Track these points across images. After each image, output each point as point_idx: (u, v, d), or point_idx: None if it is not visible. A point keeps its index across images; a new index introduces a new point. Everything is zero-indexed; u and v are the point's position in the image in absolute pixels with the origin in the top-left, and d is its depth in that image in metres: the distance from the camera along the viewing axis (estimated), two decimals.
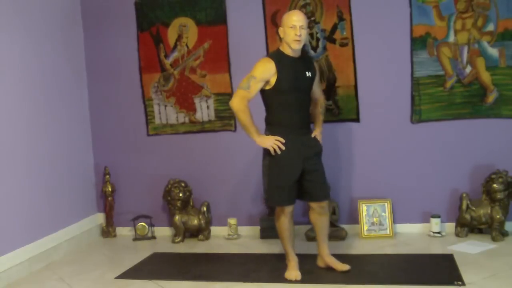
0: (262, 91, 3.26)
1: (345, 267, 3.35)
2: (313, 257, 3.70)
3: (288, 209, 3.34)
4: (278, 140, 3.19)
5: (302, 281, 3.26)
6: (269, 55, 3.32)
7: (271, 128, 3.28)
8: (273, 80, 3.21)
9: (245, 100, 3.19)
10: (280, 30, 3.27)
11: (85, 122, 4.70)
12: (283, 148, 3.19)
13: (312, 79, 3.35)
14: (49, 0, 4.25)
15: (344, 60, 4.16)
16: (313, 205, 3.38)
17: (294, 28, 3.17)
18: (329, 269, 3.38)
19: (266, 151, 3.27)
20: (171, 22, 4.49)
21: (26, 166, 3.86)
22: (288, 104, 3.25)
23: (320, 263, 3.45)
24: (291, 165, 3.25)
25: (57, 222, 4.17)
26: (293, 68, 3.25)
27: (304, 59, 3.36)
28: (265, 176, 3.32)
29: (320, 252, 3.45)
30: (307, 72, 3.31)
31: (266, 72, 3.20)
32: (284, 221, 3.34)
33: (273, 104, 3.27)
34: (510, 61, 3.87)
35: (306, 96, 3.35)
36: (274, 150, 3.20)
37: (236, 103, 3.19)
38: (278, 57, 3.25)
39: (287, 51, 3.25)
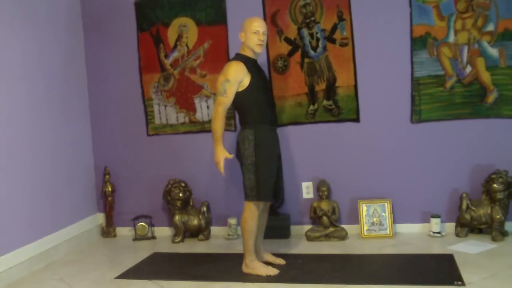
0: (235, 93, 3.34)
1: (280, 260, 3.57)
2: (314, 257, 3.71)
3: (266, 204, 3.51)
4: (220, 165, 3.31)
5: (303, 281, 3.26)
6: (234, 59, 3.40)
7: (253, 126, 3.34)
8: (246, 81, 3.33)
9: (224, 106, 3.29)
10: (241, 35, 3.41)
11: (85, 122, 4.70)
12: (222, 173, 3.33)
13: (268, 79, 3.57)
14: (50, 1, 4.25)
15: (344, 60, 4.16)
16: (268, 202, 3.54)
17: (257, 34, 3.36)
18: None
19: (251, 150, 3.32)
20: (171, 22, 4.49)
21: (26, 166, 3.86)
22: (262, 102, 3.42)
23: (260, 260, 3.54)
24: (274, 162, 3.45)
25: (57, 222, 4.17)
26: (257, 69, 3.44)
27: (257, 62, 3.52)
28: (252, 174, 3.35)
29: (258, 249, 3.55)
30: (265, 73, 3.58)
31: (238, 73, 3.30)
32: (258, 217, 3.41)
33: (249, 104, 3.35)
34: (510, 61, 3.87)
35: (271, 94, 3.58)
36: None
37: (215, 111, 3.29)
38: (243, 59, 3.37)
39: (249, 54, 3.41)
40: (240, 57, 3.39)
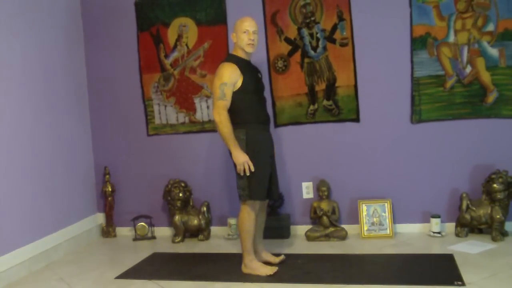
0: None
1: (280, 257, 3.59)
2: (314, 257, 3.72)
3: (263, 204, 3.53)
4: (248, 163, 3.30)
5: (303, 281, 3.26)
6: (227, 60, 3.41)
7: (244, 126, 3.33)
8: (239, 82, 3.33)
9: (226, 110, 3.29)
10: (233, 35, 3.43)
11: (85, 122, 4.70)
12: (252, 169, 3.28)
13: (262, 79, 3.57)
14: (50, 0, 4.25)
15: (344, 60, 4.16)
16: (264, 201, 3.55)
17: (248, 33, 3.37)
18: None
19: (243, 150, 3.31)
20: (171, 22, 4.49)
21: (26, 166, 3.86)
22: (255, 103, 3.42)
23: (259, 259, 3.54)
24: (267, 161, 3.44)
25: (57, 222, 4.17)
26: (249, 70, 3.43)
27: (250, 62, 3.52)
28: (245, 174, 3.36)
29: (257, 248, 3.55)
30: (258, 74, 3.55)
31: (233, 75, 3.31)
32: (255, 217, 3.40)
33: (240, 105, 3.33)
34: (510, 61, 3.87)
35: (264, 95, 3.55)
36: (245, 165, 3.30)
37: (219, 114, 3.28)
38: (236, 60, 3.38)
39: (241, 55, 3.42)
40: (232, 58, 3.40)
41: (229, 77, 3.30)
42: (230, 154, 3.39)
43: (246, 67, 3.39)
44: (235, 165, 3.41)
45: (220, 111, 3.27)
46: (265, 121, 3.50)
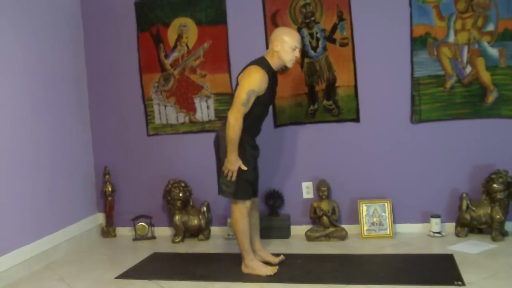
0: None
1: (279, 258, 3.57)
2: (314, 257, 3.72)
3: (255, 202, 3.57)
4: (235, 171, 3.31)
5: (303, 281, 3.26)
6: (261, 66, 3.29)
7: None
8: (262, 93, 3.28)
9: (242, 116, 3.24)
10: (276, 44, 3.30)
11: (85, 122, 4.70)
12: (234, 178, 3.32)
13: (276, 91, 3.53)
14: (50, 0, 4.25)
15: (344, 60, 4.16)
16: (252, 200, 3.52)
17: (295, 50, 3.30)
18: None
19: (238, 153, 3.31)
20: (171, 22, 4.49)
21: (26, 166, 3.86)
22: (261, 114, 3.41)
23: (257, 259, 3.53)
24: (256, 163, 3.47)
25: (57, 222, 4.17)
26: (274, 83, 3.40)
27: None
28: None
29: (255, 247, 3.56)
30: (277, 84, 3.50)
31: (263, 85, 3.26)
32: (247, 216, 3.40)
33: (248, 112, 3.27)
34: (510, 61, 3.87)
35: (268, 108, 3.53)
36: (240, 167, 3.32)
37: (235, 119, 3.22)
38: (268, 69, 3.30)
39: (274, 64, 3.35)
40: (266, 66, 3.30)
41: (259, 86, 3.24)
42: (218, 149, 3.38)
43: (272, 79, 3.34)
44: (217, 158, 3.42)
45: (238, 116, 3.21)
46: (256, 134, 3.49)
